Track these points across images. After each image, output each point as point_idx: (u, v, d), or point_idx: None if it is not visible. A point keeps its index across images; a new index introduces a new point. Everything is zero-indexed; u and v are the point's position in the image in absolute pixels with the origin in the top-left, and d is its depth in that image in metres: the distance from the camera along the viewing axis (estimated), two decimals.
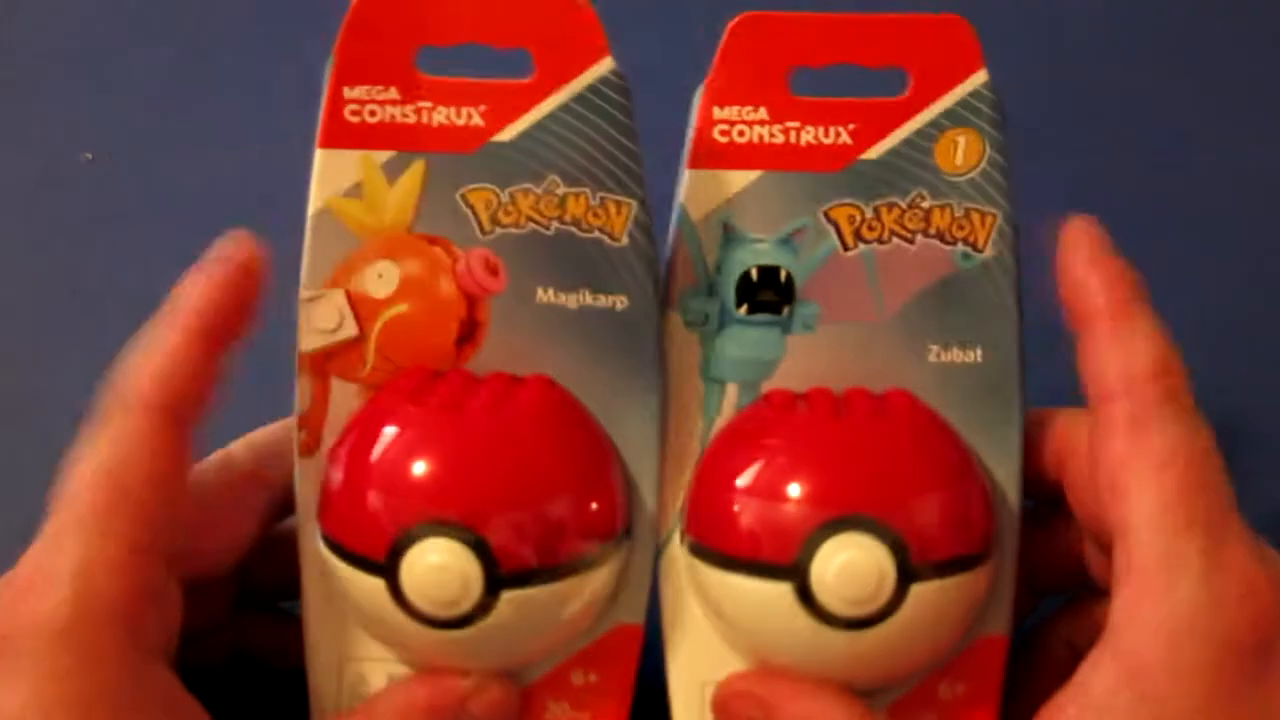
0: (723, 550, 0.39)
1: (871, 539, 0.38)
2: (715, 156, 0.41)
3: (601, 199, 0.41)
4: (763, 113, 0.41)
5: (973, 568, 0.39)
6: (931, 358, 0.41)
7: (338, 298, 0.41)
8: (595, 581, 0.40)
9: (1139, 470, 0.36)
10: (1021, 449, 0.41)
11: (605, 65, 0.41)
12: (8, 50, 0.63)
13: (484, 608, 0.38)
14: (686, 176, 0.41)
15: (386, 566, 0.38)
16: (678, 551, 0.41)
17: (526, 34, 0.41)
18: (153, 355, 0.38)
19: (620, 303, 0.41)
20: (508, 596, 0.38)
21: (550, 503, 0.39)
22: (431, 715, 0.39)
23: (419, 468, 0.39)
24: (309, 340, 0.41)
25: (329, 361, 0.41)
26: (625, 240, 0.41)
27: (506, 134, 0.41)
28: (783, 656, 0.40)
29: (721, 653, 0.41)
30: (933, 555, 0.38)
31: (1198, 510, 0.36)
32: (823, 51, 0.41)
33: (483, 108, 0.41)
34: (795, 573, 0.38)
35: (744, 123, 0.41)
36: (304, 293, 0.41)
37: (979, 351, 0.41)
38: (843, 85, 0.41)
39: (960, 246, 0.41)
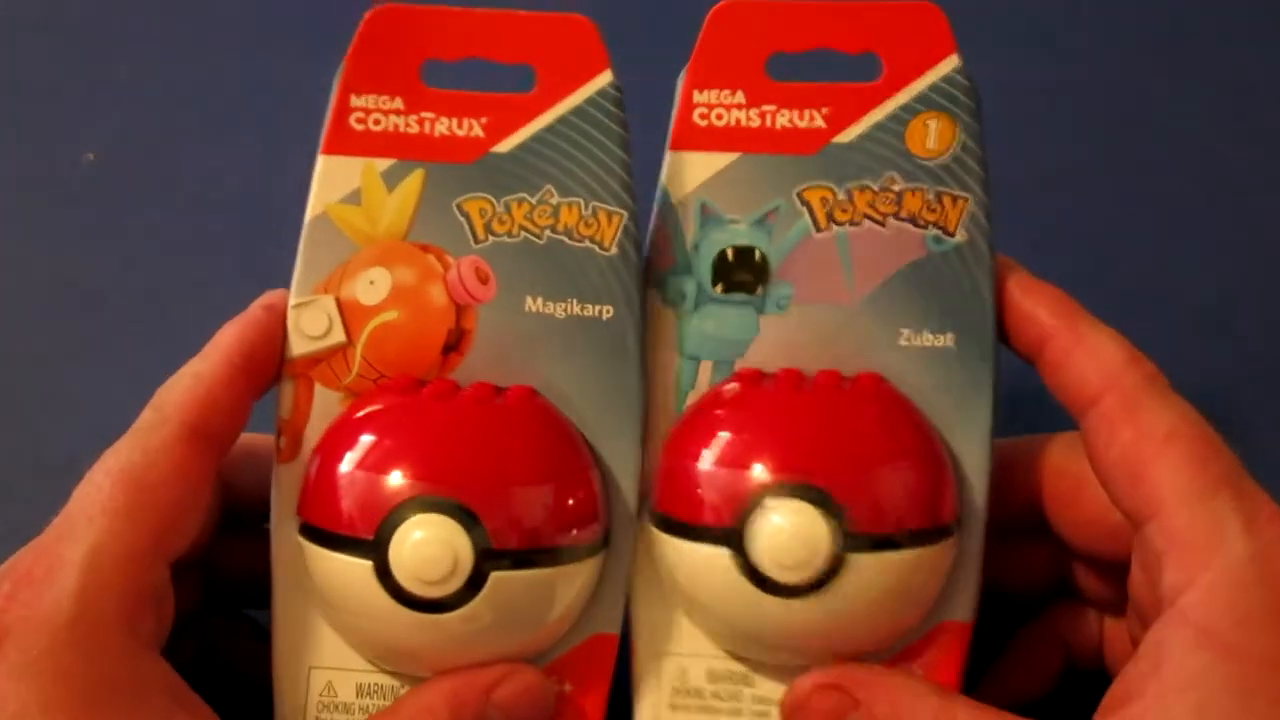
0: (672, 516, 0.40)
1: (809, 506, 0.38)
2: (694, 139, 0.42)
3: (594, 209, 0.41)
4: (740, 96, 0.42)
5: (920, 545, 0.39)
6: (903, 341, 0.42)
7: (327, 304, 0.41)
8: (577, 578, 0.40)
9: (1152, 449, 0.37)
10: (991, 433, 0.41)
11: (604, 79, 0.41)
12: (8, 50, 0.63)
13: (472, 587, 0.38)
14: (668, 158, 0.42)
15: (375, 544, 0.38)
16: (644, 529, 0.42)
17: (530, 50, 0.42)
18: (194, 381, 0.39)
19: (606, 312, 0.41)
20: (496, 577, 0.38)
21: (541, 487, 0.39)
22: (455, 708, 0.39)
23: (411, 447, 0.39)
24: (296, 346, 0.41)
25: (314, 368, 0.41)
26: (615, 250, 0.41)
27: (505, 145, 0.41)
28: (728, 623, 0.40)
29: (681, 624, 0.42)
30: (874, 528, 0.39)
31: (1218, 471, 0.37)
32: (800, 37, 0.42)
33: (484, 120, 0.41)
34: (733, 537, 0.39)
35: (722, 106, 0.42)
36: (294, 298, 0.41)
37: (950, 336, 0.42)
38: (820, 70, 0.42)
39: (932, 230, 0.42)
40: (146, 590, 0.37)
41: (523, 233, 0.41)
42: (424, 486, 0.38)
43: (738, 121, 0.42)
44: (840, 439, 0.39)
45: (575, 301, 0.41)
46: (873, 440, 0.40)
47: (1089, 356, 0.39)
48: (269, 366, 0.41)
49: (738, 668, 0.41)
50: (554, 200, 0.41)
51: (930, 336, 0.42)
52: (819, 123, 0.42)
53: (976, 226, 0.41)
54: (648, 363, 0.42)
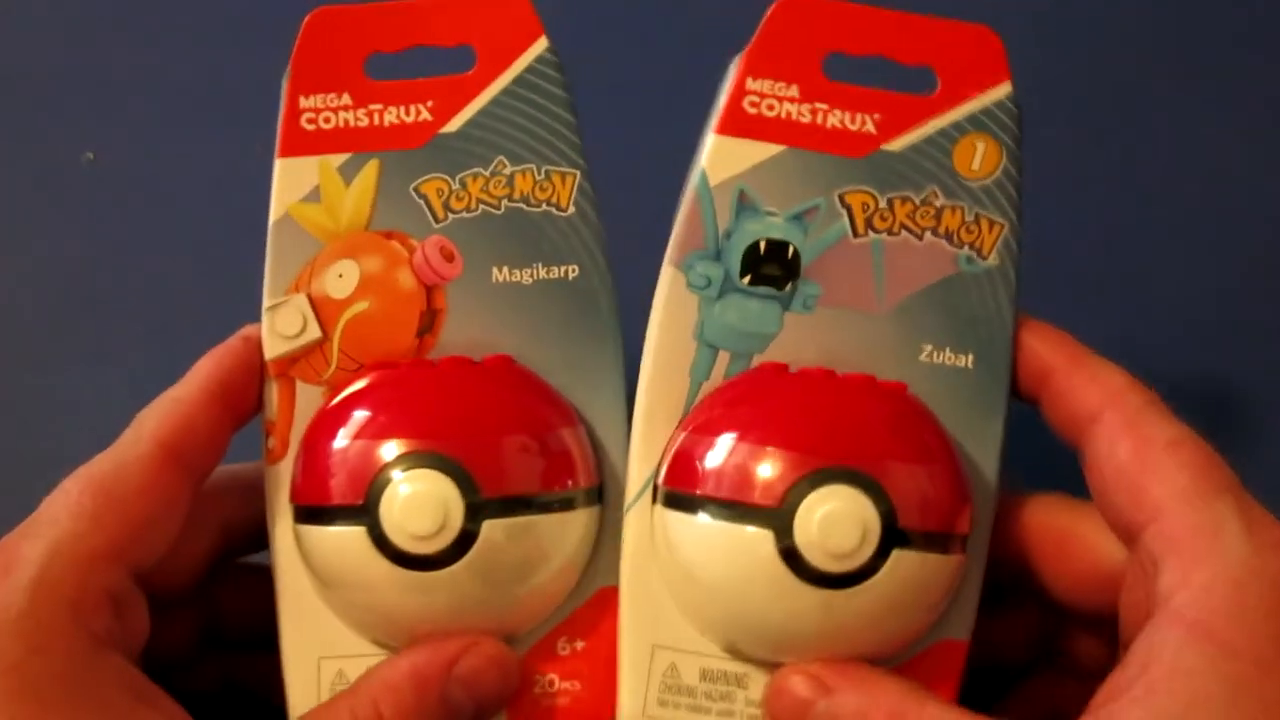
0: (706, 495, 0.40)
1: (861, 493, 0.38)
2: (742, 126, 0.42)
3: (547, 172, 0.42)
4: (794, 90, 0.42)
5: (952, 550, 0.40)
6: (924, 357, 0.42)
7: (300, 302, 0.42)
8: (569, 528, 0.41)
9: (1152, 458, 0.38)
10: (1001, 459, 0.42)
11: (540, 46, 0.42)
12: (8, 50, 0.63)
13: (466, 539, 0.39)
14: (711, 141, 0.42)
15: (366, 507, 0.39)
16: (645, 511, 0.42)
17: (467, 30, 0.43)
18: (172, 405, 0.41)
19: (572, 271, 0.43)
20: (490, 525, 0.39)
21: (524, 435, 0.40)
22: (418, 684, 0.39)
23: (392, 411, 0.40)
24: (273, 347, 0.42)
25: (293, 366, 0.42)
26: (572, 209, 0.43)
27: (453, 125, 0.42)
28: (753, 617, 0.40)
29: (675, 618, 0.41)
30: (918, 524, 0.39)
31: (1218, 478, 0.37)
32: (860, 40, 0.42)
33: (430, 103, 0.42)
34: (779, 518, 0.38)
35: (775, 97, 0.42)
36: (267, 300, 0.42)
37: (971, 357, 0.42)
38: (874, 76, 0.42)
39: (966, 250, 0.42)
40: (102, 590, 0.37)
41: (481, 206, 0.42)
42: (408, 445, 0.39)
43: (788, 115, 0.42)
44: (890, 431, 0.40)
45: (540, 265, 0.43)
46: (919, 439, 0.40)
47: (1090, 380, 0.40)
48: (246, 396, 0.42)
49: (732, 668, 0.41)
50: (507, 170, 0.42)
51: (951, 355, 0.42)
52: (869, 127, 0.42)
53: (1008, 252, 0.42)
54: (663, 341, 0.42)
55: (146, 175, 0.61)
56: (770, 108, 0.42)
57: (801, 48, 0.42)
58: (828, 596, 0.38)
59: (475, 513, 0.39)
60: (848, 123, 0.42)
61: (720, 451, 0.40)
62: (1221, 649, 0.34)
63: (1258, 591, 0.35)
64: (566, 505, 0.41)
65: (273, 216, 0.42)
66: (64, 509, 0.38)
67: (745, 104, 0.42)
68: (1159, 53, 0.61)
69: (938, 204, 0.42)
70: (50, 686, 0.35)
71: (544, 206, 0.43)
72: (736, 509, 0.39)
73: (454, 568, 0.39)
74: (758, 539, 0.39)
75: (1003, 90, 0.42)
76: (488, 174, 0.42)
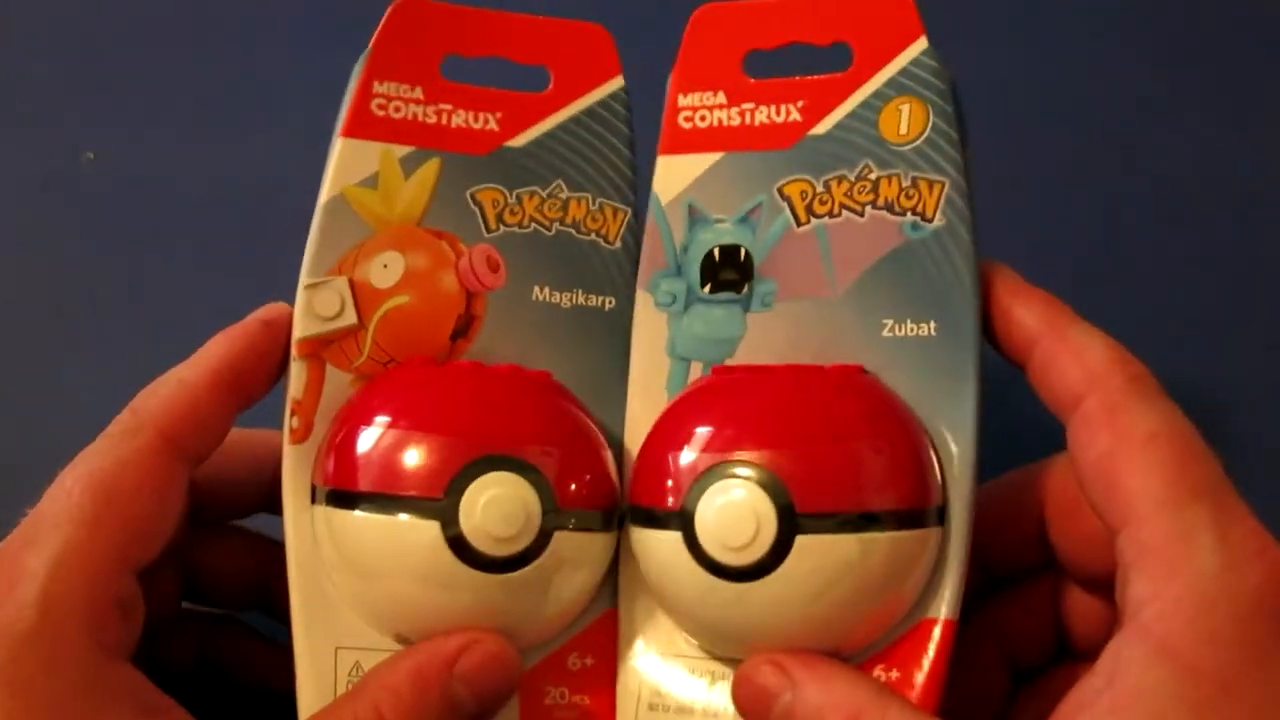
0: (635, 504, 0.41)
1: (751, 485, 0.38)
2: (681, 142, 0.43)
3: (600, 204, 0.43)
4: (721, 97, 0.43)
5: (878, 529, 0.38)
6: (885, 333, 0.41)
7: (341, 285, 0.42)
8: (604, 549, 0.41)
9: (1129, 454, 0.36)
10: (979, 422, 0.40)
11: (616, 83, 0.43)
12: (8, 50, 0.63)
13: (539, 546, 0.39)
14: (658, 163, 0.43)
15: (444, 504, 0.38)
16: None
17: (547, 53, 0.43)
18: (177, 389, 0.39)
19: (609, 303, 0.43)
20: (560, 536, 0.39)
21: (592, 447, 0.41)
22: (418, 683, 0.38)
23: (471, 408, 0.40)
24: (307, 326, 0.41)
25: (325, 349, 0.42)
26: (618, 244, 0.43)
27: (519, 140, 0.43)
28: (687, 614, 0.40)
29: (663, 623, 0.41)
30: (822, 507, 0.38)
31: (1195, 480, 0.35)
32: (773, 33, 0.43)
33: (499, 114, 0.43)
34: (682, 519, 0.39)
35: (705, 108, 0.43)
36: (306, 279, 0.41)
37: (932, 324, 0.41)
38: (795, 64, 0.42)
39: (909, 217, 0.41)
40: (111, 600, 0.37)
41: (533, 224, 0.43)
42: (491, 446, 0.39)
43: (719, 121, 0.43)
44: (790, 417, 0.39)
45: (580, 292, 0.43)
46: (827, 419, 0.39)
47: (1074, 358, 0.38)
48: (256, 382, 0.41)
49: (718, 668, 0.41)
50: (563, 194, 0.43)
51: (912, 325, 0.41)
52: (795, 116, 0.42)
53: (954, 211, 0.41)
54: (641, 362, 0.43)
55: (146, 175, 0.60)
56: (703, 119, 0.43)
57: (720, 54, 0.43)
58: (742, 589, 0.38)
59: (551, 522, 0.39)
60: (774, 116, 0.42)
61: (644, 461, 0.41)
62: (1186, 670, 0.33)
63: (1227, 609, 0.34)
64: (613, 526, 0.41)
65: (326, 194, 0.42)
66: (65, 512, 0.37)
67: (680, 120, 0.43)
68: (1156, 51, 0.61)
69: (873, 177, 0.41)
70: (65, 704, 0.35)
71: (593, 236, 0.43)
72: (656, 515, 0.40)
73: (519, 574, 0.39)
74: (672, 540, 0.39)
75: (918, 47, 0.41)
76: (544, 194, 0.43)
